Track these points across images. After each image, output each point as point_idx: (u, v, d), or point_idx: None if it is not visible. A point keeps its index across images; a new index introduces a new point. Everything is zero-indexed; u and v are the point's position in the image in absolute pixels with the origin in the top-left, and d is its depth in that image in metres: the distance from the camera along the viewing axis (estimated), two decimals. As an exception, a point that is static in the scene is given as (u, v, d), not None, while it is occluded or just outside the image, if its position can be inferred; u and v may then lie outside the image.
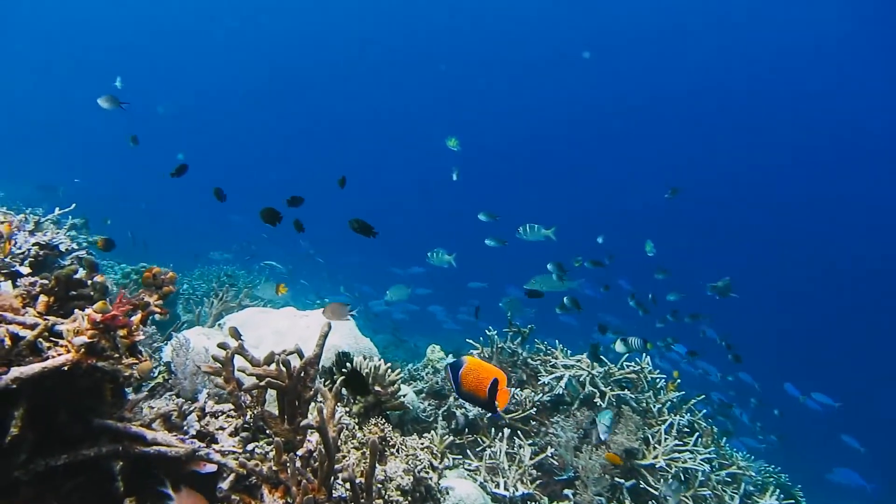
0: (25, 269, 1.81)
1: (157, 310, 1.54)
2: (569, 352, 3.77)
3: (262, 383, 1.72)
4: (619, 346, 3.62)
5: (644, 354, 3.59)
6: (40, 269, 1.89)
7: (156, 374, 2.37)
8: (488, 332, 3.84)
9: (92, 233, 4.56)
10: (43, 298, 1.35)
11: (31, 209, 2.41)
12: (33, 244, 1.86)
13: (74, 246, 2.02)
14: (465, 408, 3.48)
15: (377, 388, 2.35)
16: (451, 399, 3.62)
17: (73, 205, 2.29)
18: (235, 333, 1.74)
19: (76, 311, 1.35)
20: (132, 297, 1.58)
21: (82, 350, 1.26)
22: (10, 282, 1.39)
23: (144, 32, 27.32)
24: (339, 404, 2.40)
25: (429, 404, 3.81)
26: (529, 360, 3.82)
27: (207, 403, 1.76)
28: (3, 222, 1.92)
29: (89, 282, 1.43)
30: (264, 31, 28.73)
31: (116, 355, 1.29)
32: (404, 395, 2.59)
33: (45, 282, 1.37)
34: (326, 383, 2.36)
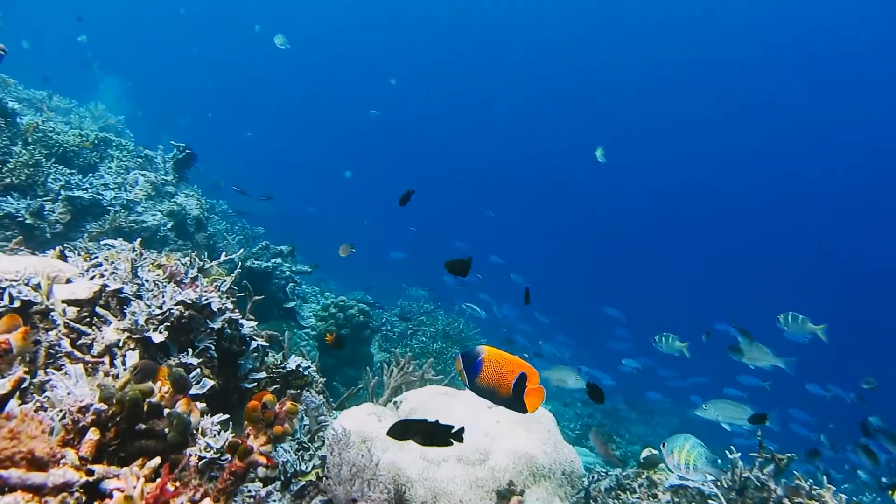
0: (159, 336, 1.42)
1: (263, 459, 0.95)
2: (843, 497, 2.60)
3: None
4: None
5: None
6: (183, 333, 1.51)
7: (309, 470, 1.88)
8: (730, 455, 2.82)
9: (298, 261, 4.62)
10: (92, 436, 0.85)
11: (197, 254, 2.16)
12: (177, 303, 1.47)
13: (229, 305, 1.61)
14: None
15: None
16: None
17: (247, 249, 1.95)
18: None
19: (125, 469, 0.82)
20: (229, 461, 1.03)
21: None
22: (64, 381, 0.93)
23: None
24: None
25: (643, 538, 2.88)
26: (786, 501, 2.65)
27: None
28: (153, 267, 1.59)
29: (167, 411, 0.90)
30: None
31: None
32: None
33: (103, 406, 0.86)
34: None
